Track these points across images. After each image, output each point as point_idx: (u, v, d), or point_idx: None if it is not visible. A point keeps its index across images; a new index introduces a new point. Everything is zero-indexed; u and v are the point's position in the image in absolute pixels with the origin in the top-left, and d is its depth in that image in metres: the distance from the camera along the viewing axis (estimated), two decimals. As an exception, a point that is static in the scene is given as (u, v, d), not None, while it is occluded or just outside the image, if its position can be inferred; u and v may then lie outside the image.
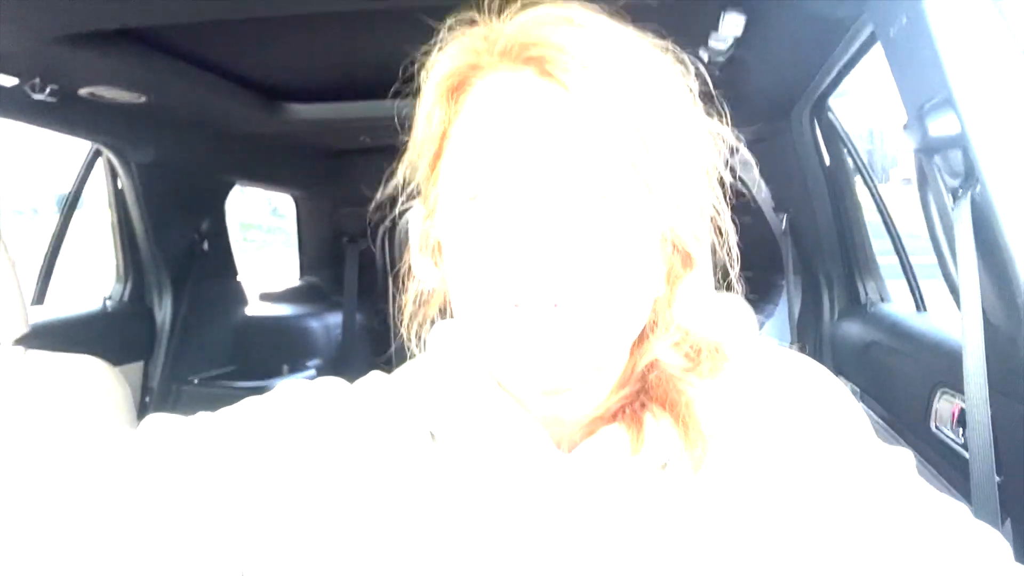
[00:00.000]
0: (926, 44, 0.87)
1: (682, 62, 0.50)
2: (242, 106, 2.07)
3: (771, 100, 1.82)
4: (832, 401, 0.56)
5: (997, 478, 0.92)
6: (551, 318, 0.45)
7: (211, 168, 2.64)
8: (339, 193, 3.21)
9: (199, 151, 2.44)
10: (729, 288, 0.57)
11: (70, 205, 2.26)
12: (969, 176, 0.86)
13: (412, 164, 0.55)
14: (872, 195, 1.96)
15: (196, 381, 2.65)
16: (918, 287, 1.82)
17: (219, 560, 0.46)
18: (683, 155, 0.48)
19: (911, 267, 1.86)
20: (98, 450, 0.48)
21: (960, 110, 0.83)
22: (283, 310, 3.27)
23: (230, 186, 2.83)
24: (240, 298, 3.02)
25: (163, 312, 2.52)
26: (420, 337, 0.59)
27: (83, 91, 1.74)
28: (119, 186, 2.33)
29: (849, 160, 1.95)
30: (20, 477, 0.47)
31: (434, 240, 0.55)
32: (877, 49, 1.39)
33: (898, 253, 1.89)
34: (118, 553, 0.44)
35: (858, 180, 1.98)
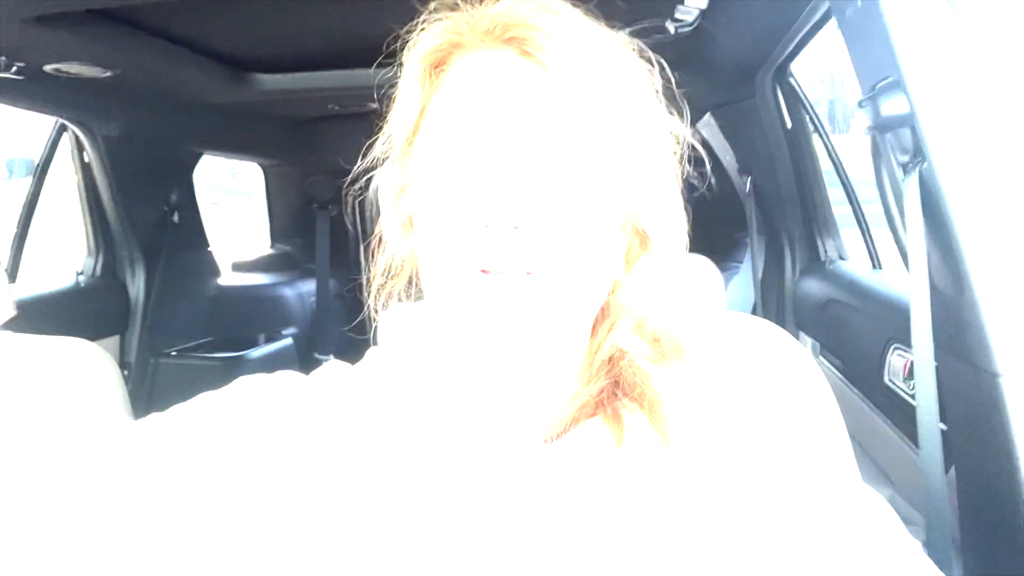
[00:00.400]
0: (879, 27, 0.91)
1: (647, 60, 0.53)
2: (210, 78, 2.05)
3: (736, 67, 1.86)
4: (794, 379, 0.58)
5: (942, 427, 0.99)
6: (518, 285, 0.46)
7: (179, 140, 2.61)
8: (308, 161, 3.18)
9: (167, 123, 2.41)
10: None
11: (38, 179, 2.22)
12: (917, 153, 0.91)
13: (388, 135, 0.56)
14: (831, 158, 2.03)
15: (174, 353, 2.66)
16: (874, 245, 1.89)
17: (185, 558, 0.45)
18: (648, 141, 0.51)
19: (867, 225, 1.93)
20: (58, 455, 0.47)
21: (910, 92, 0.88)
22: (256, 279, 3.26)
23: (198, 157, 2.80)
24: (213, 268, 3.01)
25: (136, 285, 2.51)
26: (387, 308, 0.60)
27: (49, 67, 1.71)
28: (86, 160, 2.30)
29: (809, 123, 2.01)
30: (5, 471, 0.47)
31: (407, 213, 0.56)
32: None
33: (855, 212, 1.96)
34: (85, 557, 0.43)
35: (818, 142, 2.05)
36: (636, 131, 0.49)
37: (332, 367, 0.59)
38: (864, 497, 0.50)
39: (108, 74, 1.80)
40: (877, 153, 1.04)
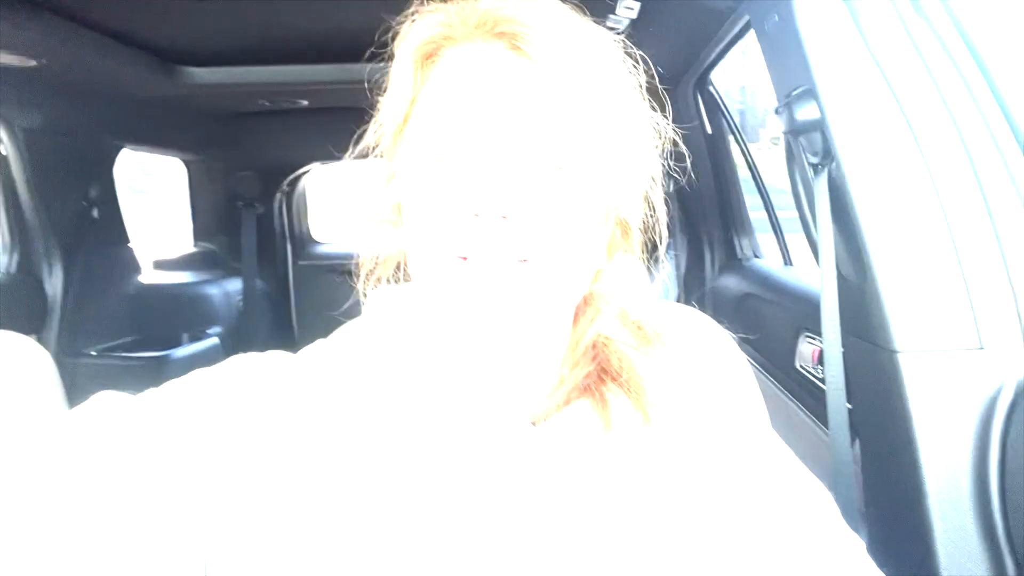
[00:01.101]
0: (794, 40, 1.01)
1: (632, 57, 0.54)
2: (139, 70, 2.00)
3: (660, 73, 1.95)
4: (728, 360, 0.62)
5: (848, 406, 1.08)
6: (506, 272, 0.47)
7: (101, 132, 2.51)
8: (234, 157, 3.11)
9: (89, 115, 2.32)
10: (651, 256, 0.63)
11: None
12: (827, 155, 1.01)
13: (379, 124, 0.56)
14: (747, 161, 2.15)
15: (94, 353, 2.56)
16: (785, 244, 2.02)
17: (180, 544, 0.45)
18: (629, 136, 0.52)
19: (780, 226, 2.06)
20: (49, 431, 0.46)
21: (821, 99, 0.98)
22: (180, 277, 3.16)
23: (118, 150, 2.71)
24: (134, 266, 2.91)
25: (54, 283, 2.41)
26: (370, 281, 0.61)
27: (-32, 56, 1.65)
28: (2, 152, 2.20)
29: (727, 129, 2.13)
30: None
31: (395, 202, 0.56)
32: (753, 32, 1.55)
33: (768, 214, 2.09)
34: (74, 537, 0.42)
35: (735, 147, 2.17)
36: (620, 127, 0.51)
37: (319, 347, 0.59)
38: (793, 463, 0.57)
39: (32, 63, 1.74)
40: (790, 155, 1.14)
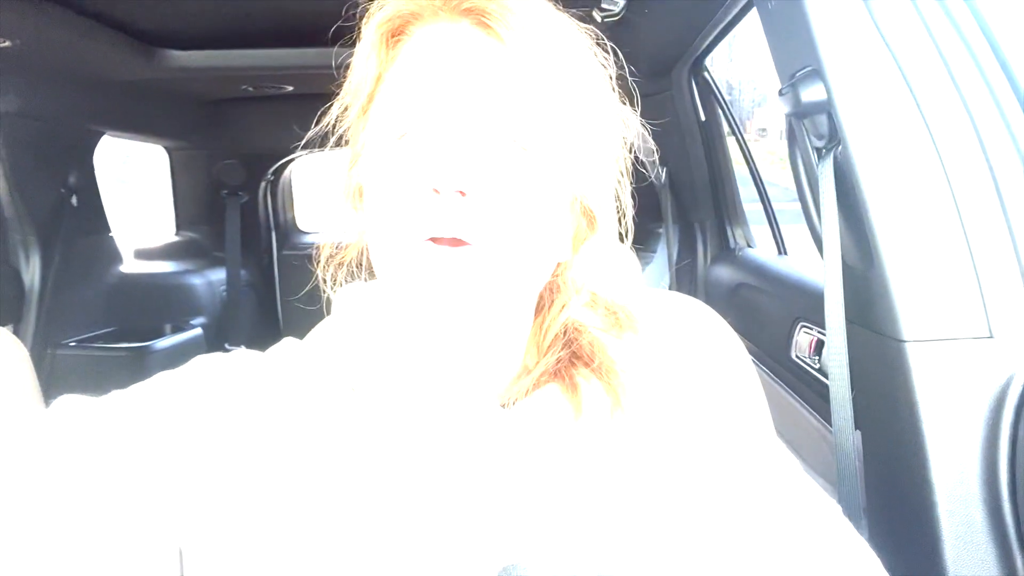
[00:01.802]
0: (800, 18, 0.98)
1: (603, 47, 0.54)
2: (119, 52, 1.94)
3: (655, 60, 1.93)
4: (723, 349, 0.61)
5: (850, 395, 1.07)
6: (458, 254, 0.46)
7: (79, 118, 2.45)
8: (217, 144, 3.06)
9: (67, 100, 2.26)
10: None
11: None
12: (833, 137, 0.98)
13: (343, 105, 0.56)
14: (741, 149, 2.13)
15: (73, 344, 2.51)
16: (780, 233, 2.02)
17: (153, 536, 0.45)
18: (597, 125, 0.52)
19: (774, 215, 2.05)
20: (14, 436, 0.46)
21: (828, 80, 0.95)
22: (162, 267, 3.11)
23: (99, 137, 2.65)
24: (114, 255, 2.85)
25: (31, 272, 2.35)
26: (336, 280, 0.60)
27: (-61, 35, 1.59)
28: (-23, 137, 2.14)
29: (722, 116, 2.11)
30: None
31: (356, 184, 0.56)
32: (751, 16, 1.52)
33: (763, 202, 2.08)
34: (44, 539, 0.42)
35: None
36: (586, 113, 0.51)
37: (286, 344, 0.58)
38: (787, 460, 0.55)
39: (7, 44, 1.68)
40: (793, 139, 1.11)
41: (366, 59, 0.52)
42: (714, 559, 0.49)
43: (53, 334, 2.44)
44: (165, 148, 3.17)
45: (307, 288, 0.62)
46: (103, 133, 2.64)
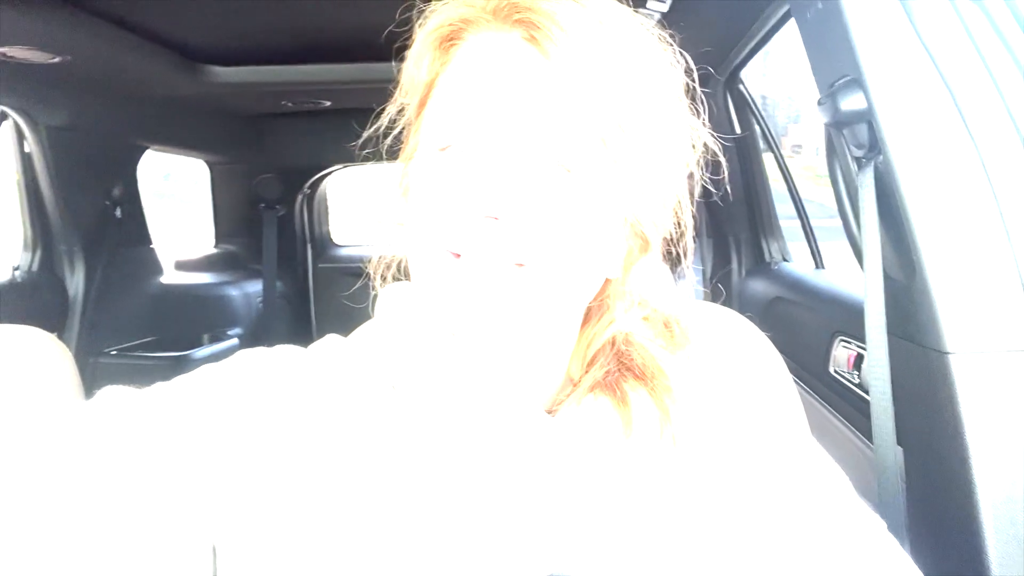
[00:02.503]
0: (839, 27, 0.97)
1: (677, 55, 0.52)
2: (161, 68, 2.00)
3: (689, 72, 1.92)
4: (764, 363, 0.60)
5: (892, 411, 1.05)
6: (492, 274, 0.45)
7: (125, 132, 2.53)
8: (257, 158, 3.13)
9: (113, 114, 2.33)
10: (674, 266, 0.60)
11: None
12: (873, 147, 0.96)
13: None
14: (778, 163, 2.11)
15: (113, 353, 2.57)
16: (817, 246, 1.98)
17: (188, 531, 0.44)
18: (658, 143, 0.49)
19: (811, 228, 2.02)
20: (58, 425, 0.45)
21: (868, 89, 0.94)
22: (201, 278, 3.17)
23: (142, 151, 2.72)
24: (155, 266, 2.92)
25: (75, 282, 2.42)
26: (386, 280, 0.60)
27: (-6, 51, 1.65)
28: (26, 150, 2.21)
29: (757, 130, 2.09)
30: None
31: (407, 184, 0.55)
32: (786, 28, 1.51)
33: (800, 215, 2.05)
34: (83, 530, 0.41)
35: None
36: (645, 129, 0.48)
37: (329, 341, 0.58)
38: (838, 479, 0.53)
39: (57, 60, 1.74)
40: (832, 150, 1.10)
41: (418, 63, 0.52)
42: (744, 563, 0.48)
43: (95, 342, 2.50)
44: (206, 162, 3.24)
45: (353, 291, 0.62)
46: (147, 147, 2.71)
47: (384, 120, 0.58)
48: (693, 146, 0.53)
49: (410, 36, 0.54)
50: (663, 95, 0.50)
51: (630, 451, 0.50)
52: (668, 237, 0.55)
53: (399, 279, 0.60)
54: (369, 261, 0.61)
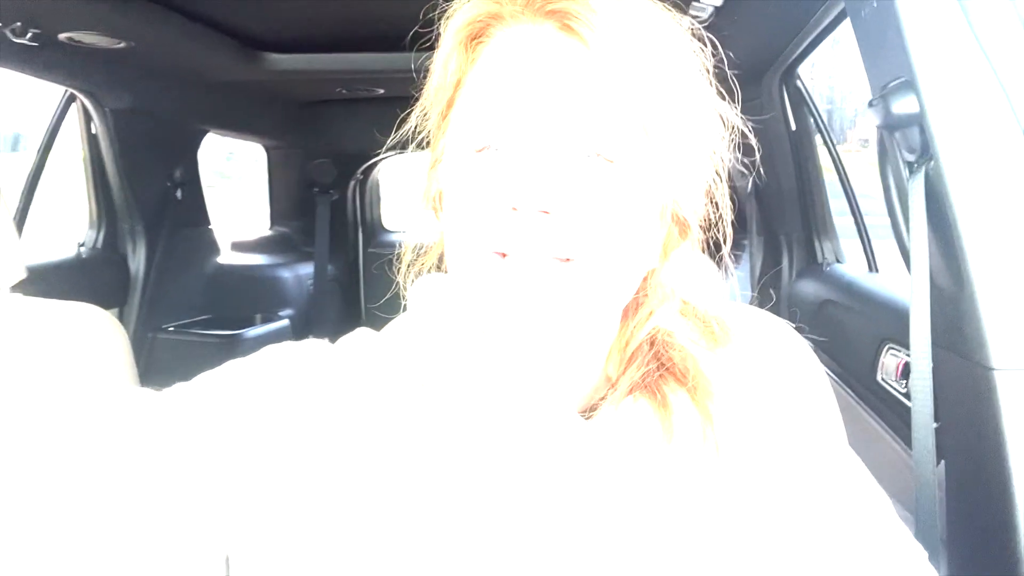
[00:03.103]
0: (893, 28, 0.94)
1: (700, 39, 0.50)
2: (221, 54, 2.06)
3: (744, 67, 1.88)
4: (803, 368, 0.58)
5: (934, 424, 1.02)
6: (543, 270, 0.44)
7: (186, 116, 2.61)
8: (312, 143, 3.19)
9: (175, 98, 2.41)
10: (714, 256, 0.59)
11: (45, 149, 2.22)
12: (924, 152, 0.93)
13: (400, 118, 0.55)
14: (833, 160, 2.05)
15: (171, 329, 2.66)
16: (871, 249, 1.92)
17: (201, 539, 0.44)
18: (693, 128, 0.49)
19: (866, 230, 1.96)
20: (78, 427, 0.45)
21: (920, 92, 0.90)
22: (255, 259, 3.26)
23: (203, 134, 2.80)
24: (213, 247, 3.01)
25: (137, 260, 2.51)
26: (412, 268, 0.59)
27: (63, 36, 1.71)
28: (92, 131, 2.30)
29: (813, 126, 2.03)
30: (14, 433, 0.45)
31: (436, 190, 0.54)
32: (847, 22, 1.47)
33: (854, 216, 1.99)
34: (97, 533, 0.41)
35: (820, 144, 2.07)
36: (680, 118, 0.47)
37: (359, 335, 0.57)
38: (871, 489, 0.52)
39: (121, 45, 1.80)
40: (883, 153, 1.07)
41: (445, 63, 0.51)
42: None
43: (154, 318, 2.60)
44: (263, 146, 3.32)
45: (391, 291, 0.62)
46: (207, 131, 2.79)
47: (422, 110, 0.56)
48: (725, 127, 0.52)
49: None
50: (694, 78, 0.49)
51: (671, 458, 0.48)
52: (706, 224, 0.54)
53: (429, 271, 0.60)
54: (419, 249, 0.60)
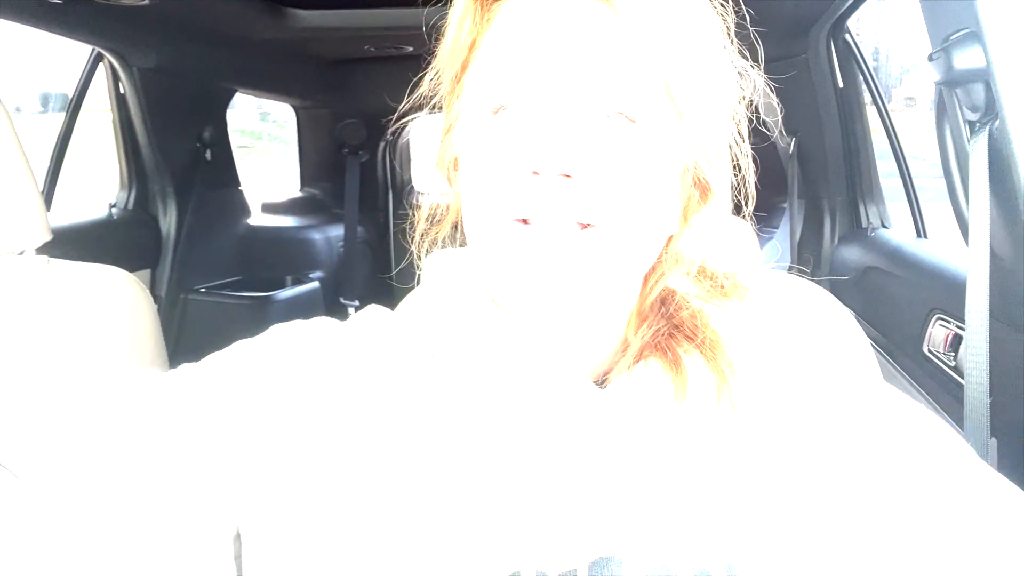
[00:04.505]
0: (958, -27, 0.87)
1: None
2: (246, 11, 2.02)
3: (791, 20, 1.79)
4: (839, 332, 0.56)
5: (988, 400, 0.97)
6: (566, 236, 0.43)
7: (213, 75, 2.59)
8: (340, 104, 3.16)
9: (201, 57, 2.38)
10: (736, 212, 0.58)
11: (73, 108, 2.22)
12: (989, 110, 0.87)
13: (425, 74, 0.53)
14: (882, 119, 1.95)
15: (203, 290, 2.68)
16: (920, 213, 1.84)
17: (211, 516, 0.44)
18: (715, 88, 0.47)
19: (915, 193, 1.87)
20: (87, 407, 0.47)
21: (987, 44, 0.83)
22: (285, 221, 3.26)
23: (231, 94, 2.78)
24: (243, 208, 3.01)
25: (168, 221, 2.52)
26: (429, 252, 0.58)
27: (87, -8, 1.70)
28: (121, 91, 2.29)
29: (863, 84, 1.93)
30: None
31: (451, 155, 0.53)
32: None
33: (903, 178, 1.90)
34: (105, 512, 0.41)
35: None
36: (703, 74, 0.46)
37: (371, 312, 0.56)
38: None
39: (145, 1, 1.77)
40: (942, 110, 1.00)
41: (460, 22, 0.49)
42: (837, 554, 0.43)
43: (186, 280, 2.62)
44: (293, 107, 3.30)
45: (406, 260, 0.60)
46: (235, 90, 2.77)
47: (435, 72, 0.54)
48: (744, 84, 0.50)
49: None
50: (714, 36, 0.48)
51: (685, 422, 0.47)
52: (735, 188, 0.53)
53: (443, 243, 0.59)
54: (428, 217, 0.58)
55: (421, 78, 0.55)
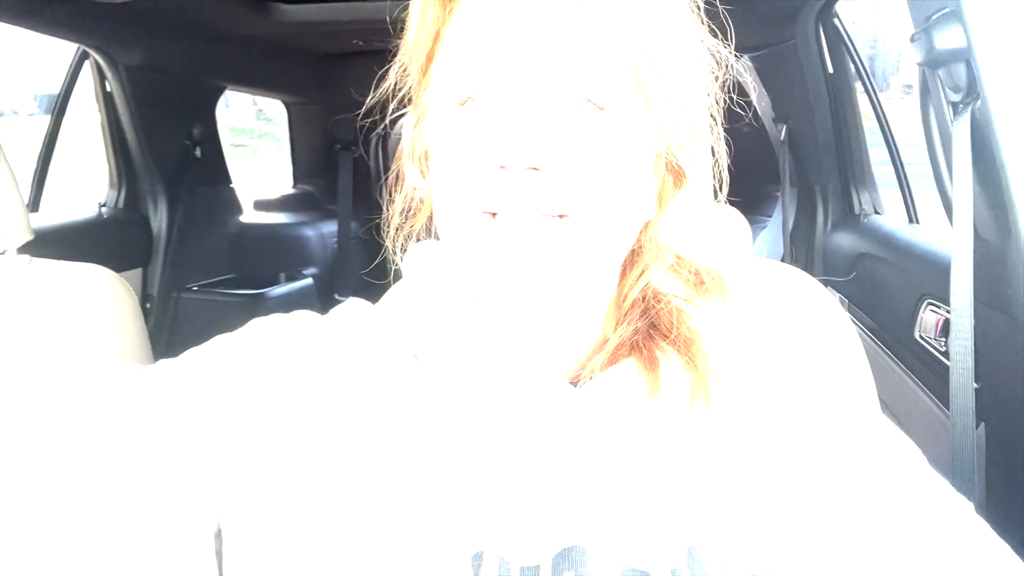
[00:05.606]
0: (938, -48, 0.85)
1: None
2: (231, 6, 2.00)
3: (778, 6, 1.77)
4: (824, 326, 0.55)
5: (975, 385, 0.96)
6: (537, 228, 0.43)
7: (201, 71, 2.57)
8: (331, 99, 3.14)
9: (188, 53, 2.37)
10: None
11: (59, 108, 2.20)
12: (971, 91, 0.86)
13: (405, 68, 0.52)
14: (873, 105, 1.94)
15: (195, 289, 2.67)
16: (912, 199, 1.83)
17: (191, 514, 0.43)
18: (684, 71, 0.46)
19: (907, 179, 1.86)
20: (64, 403, 0.45)
21: (967, 23, 0.82)
22: (278, 218, 3.24)
23: (220, 91, 2.76)
24: (235, 206, 3.00)
25: (159, 219, 2.51)
26: (405, 250, 0.58)
27: (68, -11, 1.68)
28: (107, 89, 2.28)
29: (852, 68, 1.92)
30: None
31: (422, 148, 0.53)
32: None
33: (895, 165, 1.89)
34: (84, 508, 0.41)
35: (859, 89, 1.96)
36: (671, 57, 0.45)
37: (351, 305, 0.55)
38: (898, 444, 0.48)
39: (127, -1, 1.76)
40: (926, 92, 0.99)
41: (422, 15, 0.48)
42: (806, 555, 0.44)
43: (178, 278, 2.61)
44: (284, 103, 3.28)
45: (379, 256, 0.60)
46: (224, 87, 2.75)
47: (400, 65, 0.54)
48: (719, 65, 0.50)
49: None
50: (683, 17, 0.47)
51: (658, 421, 0.47)
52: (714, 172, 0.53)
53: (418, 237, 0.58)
54: (402, 211, 0.58)
55: (395, 74, 0.54)
